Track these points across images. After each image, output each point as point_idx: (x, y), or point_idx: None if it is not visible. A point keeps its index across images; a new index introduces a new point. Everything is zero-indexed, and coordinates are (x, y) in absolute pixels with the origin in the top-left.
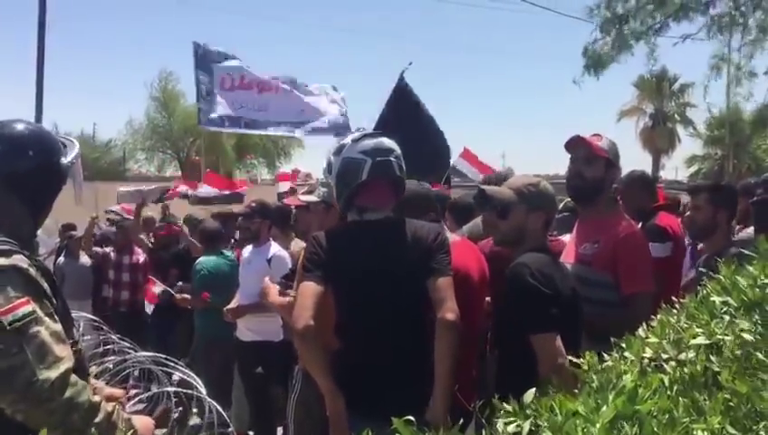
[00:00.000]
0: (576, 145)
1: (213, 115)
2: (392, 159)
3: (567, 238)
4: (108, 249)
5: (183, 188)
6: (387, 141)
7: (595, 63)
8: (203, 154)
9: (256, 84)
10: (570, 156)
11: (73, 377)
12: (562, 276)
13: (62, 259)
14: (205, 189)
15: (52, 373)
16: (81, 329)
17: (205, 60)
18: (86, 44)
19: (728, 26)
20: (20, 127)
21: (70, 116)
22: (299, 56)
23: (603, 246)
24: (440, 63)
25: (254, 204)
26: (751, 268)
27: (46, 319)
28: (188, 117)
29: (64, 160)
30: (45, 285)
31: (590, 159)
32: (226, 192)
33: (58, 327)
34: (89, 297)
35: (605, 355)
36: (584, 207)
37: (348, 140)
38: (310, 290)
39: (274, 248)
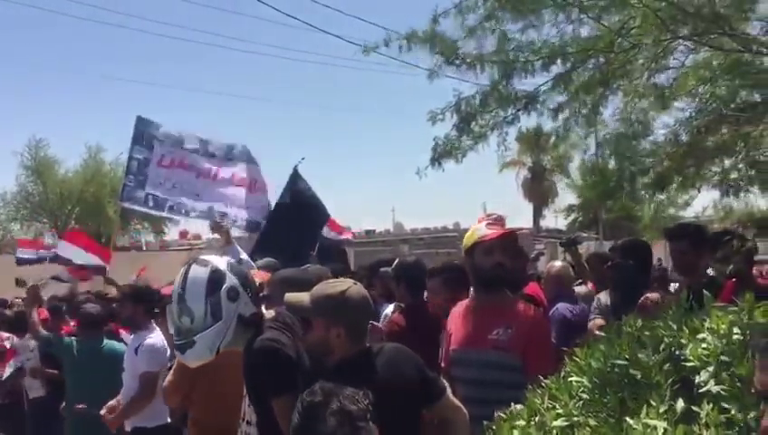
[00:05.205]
0: (510, 239)
1: (139, 192)
2: None
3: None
4: None
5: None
6: None
7: (441, 155)
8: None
9: (196, 170)
10: (483, 248)
11: None
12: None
13: None
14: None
15: None
16: None
17: (147, 135)
18: None
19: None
20: None
21: None
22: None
23: (518, 331)
24: (327, 124)
25: (125, 289)
26: (603, 347)
27: None
28: (65, 184)
29: None
30: None
31: (517, 251)
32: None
33: None
34: None
35: None
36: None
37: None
38: None
39: (149, 336)
